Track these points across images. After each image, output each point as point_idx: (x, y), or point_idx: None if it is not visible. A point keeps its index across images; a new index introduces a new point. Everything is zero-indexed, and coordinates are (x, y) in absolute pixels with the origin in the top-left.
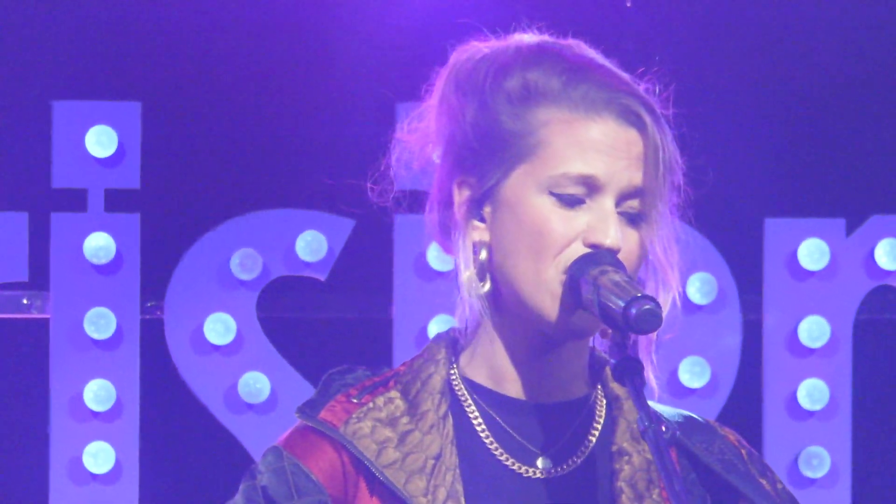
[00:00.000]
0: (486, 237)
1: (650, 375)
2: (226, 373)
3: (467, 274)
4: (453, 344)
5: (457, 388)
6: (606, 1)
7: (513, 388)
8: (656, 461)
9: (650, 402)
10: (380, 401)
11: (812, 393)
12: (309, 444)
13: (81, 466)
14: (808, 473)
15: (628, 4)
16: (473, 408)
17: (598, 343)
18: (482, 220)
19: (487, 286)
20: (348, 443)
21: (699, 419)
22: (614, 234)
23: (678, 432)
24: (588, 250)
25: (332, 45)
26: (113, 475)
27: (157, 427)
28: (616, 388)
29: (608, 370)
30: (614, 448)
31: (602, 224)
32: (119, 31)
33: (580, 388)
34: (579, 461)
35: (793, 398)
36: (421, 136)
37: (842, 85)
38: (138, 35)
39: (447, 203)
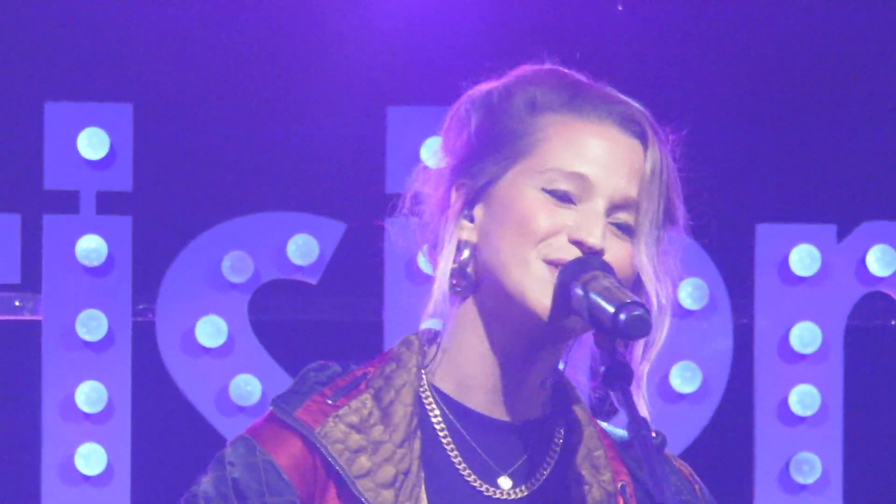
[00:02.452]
0: (472, 237)
1: (642, 387)
2: (217, 375)
3: (443, 268)
4: (424, 346)
5: (425, 397)
6: (597, 4)
7: (477, 400)
8: (646, 466)
9: (616, 428)
10: (354, 404)
11: (803, 399)
12: (282, 440)
13: (73, 468)
14: (799, 479)
15: (619, 8)
16: (440, 419)
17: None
18: (471, 220)
19: (464, 285)
20: (323, 447)
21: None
22: (598, 235)
23: (614, 443)
24: (572, 247)
25: (323, 49)
26: (104, 477)
27: (148, 429)
28: (577, 411)
29: (574, 394)
30: (572, 475)
31: (588, 223)
32: (111, 34)
33: (540, 409)
34: (538, 484)
35: (784, 404)
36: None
37: (833, 91)
38: (130, 37)
39: (443, 209)
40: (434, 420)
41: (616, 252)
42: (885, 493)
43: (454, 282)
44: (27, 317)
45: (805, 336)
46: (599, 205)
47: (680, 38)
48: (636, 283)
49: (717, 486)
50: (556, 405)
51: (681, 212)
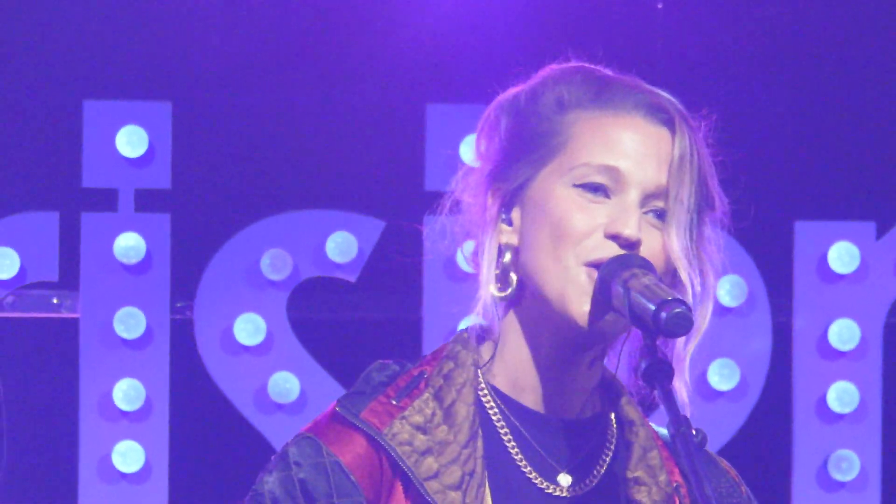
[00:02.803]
0: (512, 240)
1: (681, 385)
2: (255, 373)
3: (486, 273)
4: (477, 343)
5: (483, 395)
6: (637, 2)
7: (532, 399)
8: (686, 464)
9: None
10: (417, 404)
11: (842, 396)
12: (347, 441)
13: (111, 465)
14: (838, 477)
15: (659, 6)
16: (500, 418)
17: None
18: (510, 223)
19: (509, 291)
20: (391, 449)
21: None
22: (634, 225)
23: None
24: (610, 243)
25: (362, 47)
26: (142, 474)
27: (186, 427)
28: (630, 411)
29: (625, 394)
30: (630, 475)
31: (623, 215)
32: (150, 31)
33: (592, 407)
34: (595, 481)
35: (822, 401)
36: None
37: (873, 88)
38: (169, 35)
39: (481, 215)
40: (494, 418)
41: (653, 242)
42: None
43: (499, 286)
44: (65, 314)
45: (844, 333)
46: (633, 196)
47: (719, 33)
48: (676, 273)
49: (755, 483)
50: (606, 403)
51: (718, 197)
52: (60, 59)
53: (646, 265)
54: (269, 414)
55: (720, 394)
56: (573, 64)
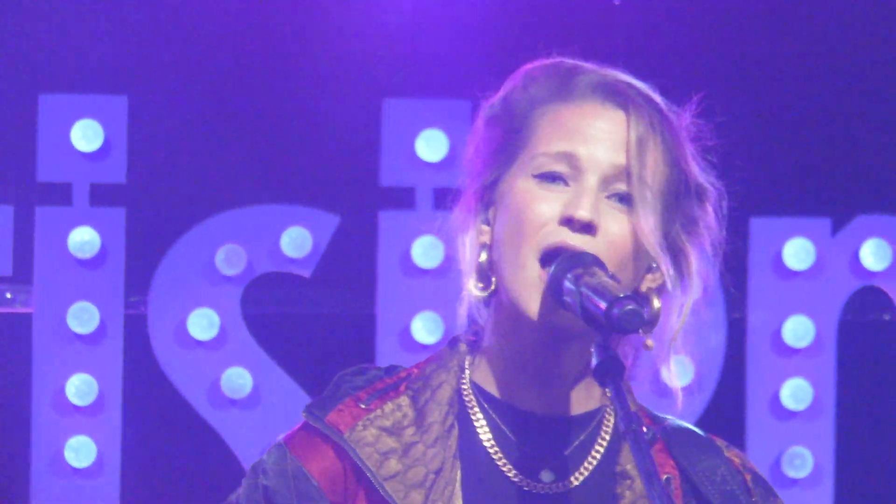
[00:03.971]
0: (488, 240)
1: (670, 371)
2: (209, 368)
3: (467, 273)
4: (469, 348)
5: (466, 396)
6: None
7: (519, 397)
8: (636, 461)
9: (671, 416)
10: (388, 407)
11: (796, 393)
12: (313, 447)
13: (63, 460)
14: (791, 473)
15: (616, 2)
16: (480, 417)
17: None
18: (488, 223)
19: (490, 290)
20: (352, 450)
21: (705, 437)
22: (587, 207)
23: (662, 435)
24: (564, 229)
25: (318, 41)
26: (94, 469)
27: (139, 422)
28: (630, 406)
29: (625, 388)
30: (618, 469)
31: (577, 198)
32: (105, 25)
33: (588, 403)
34: (581, 478)
35: (776, 398)
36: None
37: (828, 84)
38: (125, 29)
39: (466, 218)
40: (475, 418)
41: (614, 227)
42: (877, 487)
43: (480, 285)
44: (18, 309)
45: (798, 330)
46: (591, 180)
47: (676, 30)
48: (641, 258)
49: None
50: (605, 398)
51: (703, 180)
52: (15, 52)
53: (597, 263)
54: (222, 409)
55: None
56: (546, 61)
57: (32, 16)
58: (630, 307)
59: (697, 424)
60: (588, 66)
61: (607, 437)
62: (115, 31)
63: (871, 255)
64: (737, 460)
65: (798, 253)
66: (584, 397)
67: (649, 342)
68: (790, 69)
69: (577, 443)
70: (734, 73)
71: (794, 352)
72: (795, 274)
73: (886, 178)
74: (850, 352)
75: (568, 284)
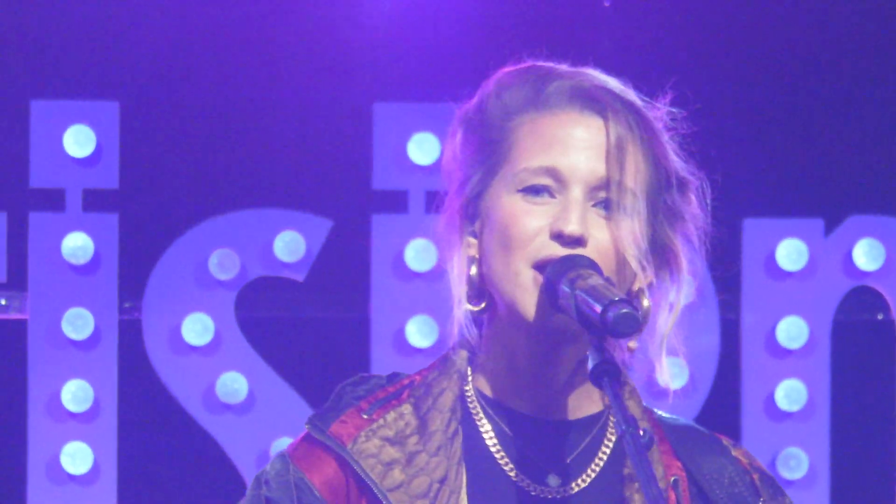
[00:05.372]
0: (476, 252)
1: (664, 371)
2: (204, 373)
3: (457, 287)
4: (471, 355)
5: (470, 402)
6: (584, 0)
7: (521, 402)
8: (633, 464)
9: (676, 416)
10: (390, 416)
11: (790, 394)
12: (315, 458)
13: (59, 467)
14: (786, 475)
15: (606, 4)
16: (486, 422)
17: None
18: (475, 235)
19: (482, 304)
20: (354, 462)
21: (711, 436)
22: (576, 221)
23: (668, 435)
24: (554, 243)
25: (310, 46)
26: (91, 476)
27: (135, 427)
28: (631, 406)
29: (628, 390)
30: (625, 471)
31: (564, 213)
32: (98, 31)
33: (591, 406)
34: (588, 481)
35: (771, 399)
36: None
37: (820, 85)
38: (117, 35)
39: (450, 231)
40: (480, 424)
41: (603, 236)
42: (872, 488)
43: (474, 301)
44: (13, 315)
45: (792, 331)
46: (576, 192)
47: (666, 31)
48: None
49: None
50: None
51: (685, 174)
52: (7, 58)
53: (592, 265)
54: (217, 414)
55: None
56: (520, 66)
57: (24, 22)
58: (625, 311)
59: None
60: (562, 69)
61: (612, 440)
62: (107, 37)
63: (864, 255)
64: (744, 460)
65: (791, 254)
66: (587, 400)
67: (632, 343)
68: (782, 70)
69: (582, 446)
70: (726, 75)
71: (788, 353)
72: (789, 275)
73: (879, 179)
74: (844, 352)
75: (563, 287)
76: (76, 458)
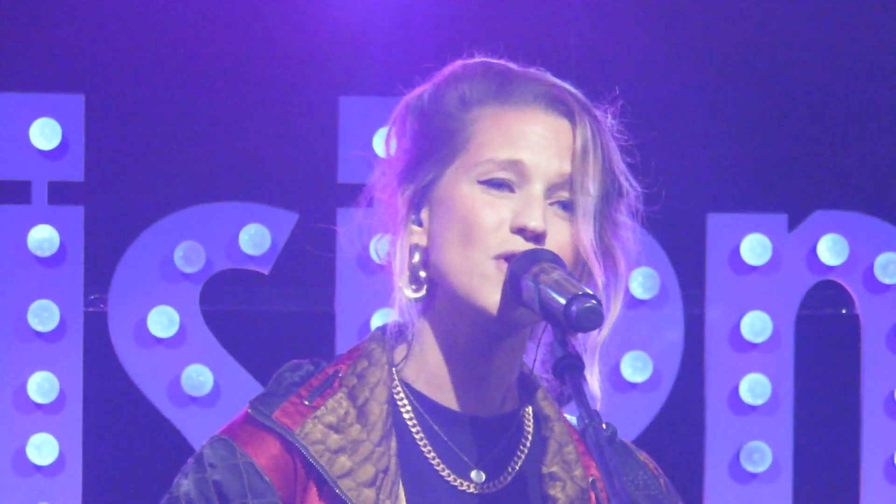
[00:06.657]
0: (422, 241)
1: (594, 379)
2: (169, 365)
3: (400, 276)
4: (393, 342)
5: (397, 393)
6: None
7: (448, 396)
8: (595, 458)
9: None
10: (330, 404)
11: (754, 388)
12: (261, 441)
13: (25, 458)
14: (750, 468)
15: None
16: (412, 416)
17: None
18: (419, 223)
19: (422, 292)
20: (304, 448)
21: (619, 441)
22: (539, 217)
23: (617, 432)
24: (516, 236)
25: (275, 39)
26: (56, 467)
27: (100, 419)
28: (546, 406)
29: (542, 389)
30: (545, 470)
31: (527, 208)
32: (62, 23)
33: (510, 403)
34: (510, 478)
35: (735, 393)
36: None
37: (784, 81)
38: (82, 27)
39: (392, 216)
40: (406, 416)
41: (560, 234)
42: (835, 481)
43: (414, 287)
44: None
45: (756, 325)
46: (537, 188)
47: (632, 26)
48: (586, 264)
49: (668, 474)
50: (523, 399)
51: (628, 184)
52: None
53: (555, 259)
54: (182, 406)
55: (633, 385)
56: (476, 60)
57: None
58: (589, 304)
59: (656, 421)
60: (519, 69)
61: (530, 439)
62: (72, 30)
63: (828, 250)
64: (651, 464)
65: (755, 248)
66: (509, 398)
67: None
68: (747, 67)
69: (503, 443)
70: (690, 70)
71: (752, 347)
72: (753, 269)
73: (843, 174)
74: (807, 346)
75: (527, 282)
76: (42, 449)
